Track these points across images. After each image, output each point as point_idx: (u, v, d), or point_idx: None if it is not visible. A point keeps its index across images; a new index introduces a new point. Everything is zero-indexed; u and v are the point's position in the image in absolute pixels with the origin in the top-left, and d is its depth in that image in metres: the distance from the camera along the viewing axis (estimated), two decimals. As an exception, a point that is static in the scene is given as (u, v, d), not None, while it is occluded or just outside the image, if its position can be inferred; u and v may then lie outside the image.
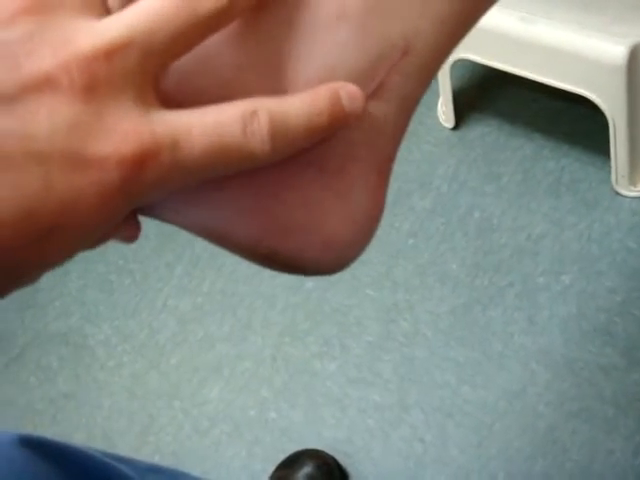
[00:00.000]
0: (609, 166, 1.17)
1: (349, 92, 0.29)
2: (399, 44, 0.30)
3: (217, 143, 0.27)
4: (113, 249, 1.37)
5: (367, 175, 0.32)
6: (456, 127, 1.34)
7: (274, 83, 0.30)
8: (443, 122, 1.35)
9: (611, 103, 1.07)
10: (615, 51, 1.03)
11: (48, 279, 1.37)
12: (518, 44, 1.11)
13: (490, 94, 1.35)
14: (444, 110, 1.34)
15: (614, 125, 1.09)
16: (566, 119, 1.28)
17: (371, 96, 0.31)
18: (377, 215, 0.34)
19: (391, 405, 1.08)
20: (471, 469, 1.01)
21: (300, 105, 0.29)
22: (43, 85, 0.24)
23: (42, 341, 1.30)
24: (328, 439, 1.08)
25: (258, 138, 0.27)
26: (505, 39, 1.11)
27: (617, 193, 1.18)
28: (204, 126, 0.27)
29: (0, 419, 1.23)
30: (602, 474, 0.97)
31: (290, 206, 0.31)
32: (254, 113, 0.27)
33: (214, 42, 0.29)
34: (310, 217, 0.31)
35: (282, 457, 1.06)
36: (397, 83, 0.31)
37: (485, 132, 1.32)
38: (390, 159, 0.33)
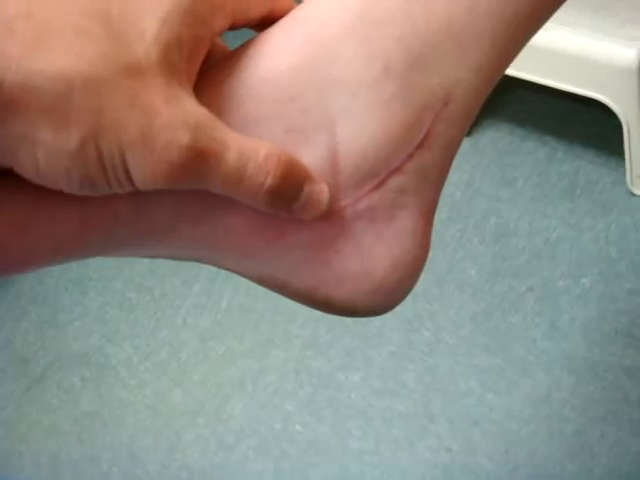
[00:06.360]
0: (623, 167, 1.17)
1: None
2: (440, 94, 0.32)
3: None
4: (129, 266, 1.38)
5: (414, 221, 0.33)
6: (468, 133, 1.34)
7: (325, 141, 0.31)
8: (454, 128, 1.36)
9: (624, 105, 1.07)
10: (627, 54, 1.03)
11: (67, 299, 1.37)
12: (530, 50, 1.11)
13: (500, 98, 1.35)
14: (455, 116, 1.34)
15: (628, 127, 1.09)
16: (578, 121, 1.28)
17: (418, 146, 0.32)
18: (423, 258, 0.35)
19: (416, 415, 1.08)
20: (499, 476, 1.01)
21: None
22: None
23: (64, 362, 1.30)
24: (354, 450, 1.08)
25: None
26: (516, 45, 1.11)
27: (632, 194, 1.18)
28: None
29: (25, 441, 1.24)
30: (632, 476, 0.97)
31: (344, 256, 0.33)
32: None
33: (262, 104, 0.30)
34: (362, 265, 0.33)
35: (310, 470, 1.06)
36: (440, 131, 0.32)
37: (497, 137, 1.32)
38: (434, 203, 0.34)
